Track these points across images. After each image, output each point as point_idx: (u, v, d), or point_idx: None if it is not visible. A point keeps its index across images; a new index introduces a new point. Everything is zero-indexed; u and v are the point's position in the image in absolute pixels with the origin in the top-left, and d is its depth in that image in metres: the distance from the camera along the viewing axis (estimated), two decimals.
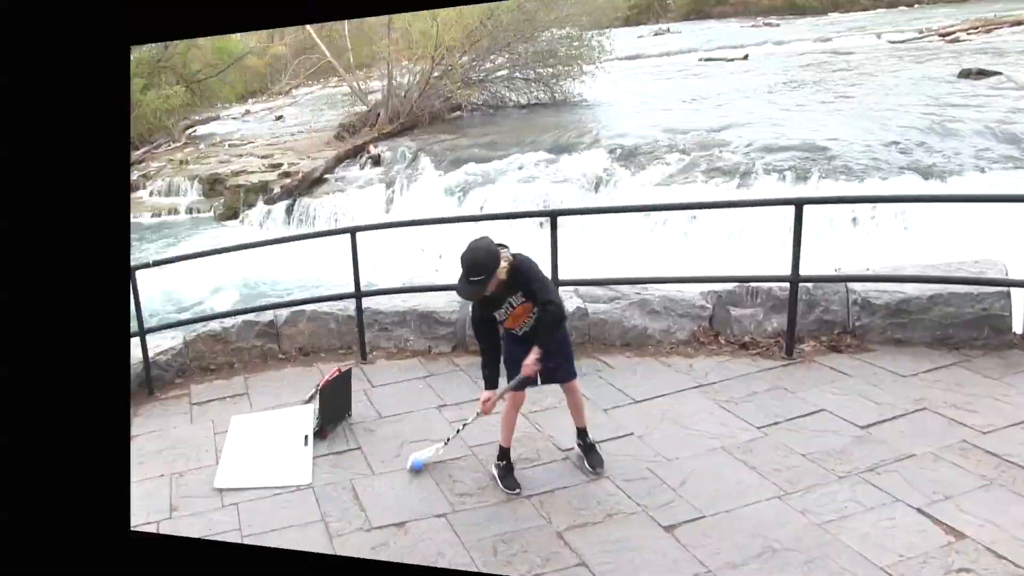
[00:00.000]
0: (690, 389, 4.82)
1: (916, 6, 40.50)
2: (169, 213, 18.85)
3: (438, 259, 11.64)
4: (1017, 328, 4.95)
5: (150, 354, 5.74)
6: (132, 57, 24.66)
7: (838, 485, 3.73)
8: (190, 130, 29.66)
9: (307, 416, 4.99)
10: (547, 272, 5.03)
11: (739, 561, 3.33)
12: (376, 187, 16.59)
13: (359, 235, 5.81)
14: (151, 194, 20.70)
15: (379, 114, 21.36)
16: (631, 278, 5.80)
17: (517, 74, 22.30)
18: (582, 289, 5.76)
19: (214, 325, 6.16)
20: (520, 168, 15.32)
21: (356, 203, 15.80)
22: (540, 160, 15.40)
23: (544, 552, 3.59)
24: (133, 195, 20.88)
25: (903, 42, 26.56)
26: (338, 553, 3.79)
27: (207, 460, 4.78)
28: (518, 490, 4.09)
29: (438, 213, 12.83)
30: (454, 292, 5.61)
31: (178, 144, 26.84)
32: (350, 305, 6.05)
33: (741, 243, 10.60)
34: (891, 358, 4.93)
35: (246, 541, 3.96)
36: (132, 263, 5.55)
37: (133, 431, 5.12)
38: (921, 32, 28.06)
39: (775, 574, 3.24)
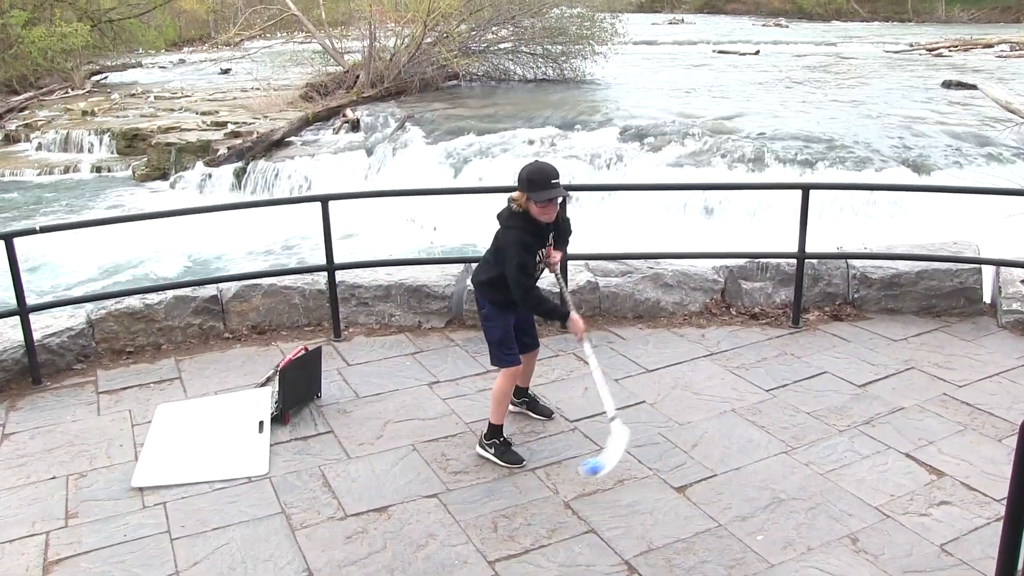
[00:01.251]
0: (702, 357, 4.92)
1: (908, 23, 43.43)
2: (66, 171, 15.88)
3: (432, 231, 11.06)
4: (987, 298, 5.57)
5: (36, 336, 4.84)
6: None
7: (839, 438, 4.03)
8: (98, 77, 25.76)
9: (262, 400, 4.40)
10: None
11: (748, 513, 3.45)
12: (355, 154, 14.70)
13: (332, 204, 5.24)
14: (38, 147, 17.56)
15: (358, 76, 19.35)
16: (644, 253, 5.80)
17: (523, 48, 21.14)
18: (592, 263, 5.69)
19: (132, 301, 5.28)
20: (526, 142, 14.14)
21: (329, 170, 14.05)
22: (548, 135, 14.37)
23: (550, 523, 3.43)
24: (13, 148, 17.96)
25: (896, 52, 28.43)
26: (303, 548, 3.32)
27: (121, 457, 4.02)
28: (524, 462, 3.84)
29: (429, 184, 11.97)
30: (446, 265, 5.66)
31: (80, 92, 23.14)
32: (320, 279, 5.52)
33: (753, 222, 10.81)
34: (885, 325, 5.37)
35: (176, 544, 3.36)
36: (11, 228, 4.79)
37: (8, 427, 4.34)
38: (912, 45, 30.06)
39: (781, 522, 3.38)
